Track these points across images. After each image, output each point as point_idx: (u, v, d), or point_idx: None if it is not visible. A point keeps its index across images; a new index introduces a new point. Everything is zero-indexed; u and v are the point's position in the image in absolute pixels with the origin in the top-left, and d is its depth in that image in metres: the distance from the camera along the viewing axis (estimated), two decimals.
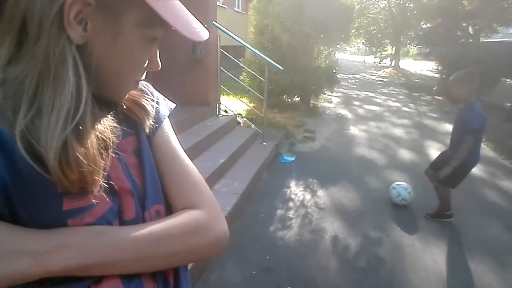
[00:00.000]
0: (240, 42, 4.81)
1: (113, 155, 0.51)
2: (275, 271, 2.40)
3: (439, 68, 12.27)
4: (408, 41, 23.50)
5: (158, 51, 0.56)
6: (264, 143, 4.67)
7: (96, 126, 0.48)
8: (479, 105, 2.76)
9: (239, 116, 5.50)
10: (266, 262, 2.49)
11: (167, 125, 0.64)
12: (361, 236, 2.89)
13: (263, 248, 2.65)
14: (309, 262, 2.53)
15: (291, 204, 3.41)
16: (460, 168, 2.85)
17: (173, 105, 0.68)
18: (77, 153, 0.44)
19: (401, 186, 3.40)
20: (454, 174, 2.86)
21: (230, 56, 4.96)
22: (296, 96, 7.71)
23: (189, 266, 0.56)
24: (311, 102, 7.93)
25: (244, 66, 6.24)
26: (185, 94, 4.19)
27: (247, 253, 2.57)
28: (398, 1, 23.18)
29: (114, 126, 0.51)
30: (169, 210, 0.58)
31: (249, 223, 2.99)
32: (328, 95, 9.47)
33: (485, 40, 11.55)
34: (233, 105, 5.94)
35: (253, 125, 5.10)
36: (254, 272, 2.38)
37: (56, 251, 0.44)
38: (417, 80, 16.08)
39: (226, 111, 5.33)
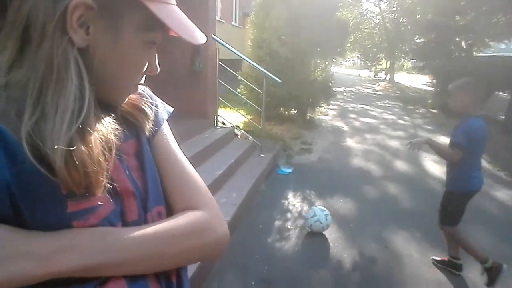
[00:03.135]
0: (239, 56, 4.87)
1: (115, 157, 0.51)
2: (273, 282, 2.38)
3: (433, 82, 12.46)
4: (403, 55, 23.91)
5: (156, 55, 0.57)
6: (262, 155, 4.68)
7: (99, 128, 0.48)
8: (479, 121, 2.26)
9: (237, 128, 5.52)
10: (265, 273, 2.47)
11: (166, 128, 0.65)
12: (359, 247, 2.88)
13: (262, 259, 2.63)
14: (307, 273, 2.52)
15: (289, 215, 3.41)
16: (451, 198, 2.52)
17: (171, 109, 0.69)
18: (82, 153, 0.44)
19: (319, 207, 3.08)
20: (448, 208, 2.52)
21: (229, 69, 5.01)
22: (293, 109, 7.77)
23: (190, 274, 0.56)
24: (308, 114, 7.98)
25: (242, 79, 6.31)
26: (183, 106, 4.19)
27: (246, 264, 2.55)
28: (392, 16, 23.71)
29: (116, 128, 0.51)
30: (169, 212, 0.59)
31: (247, 234, 2.98)
32: (324, 107, 9.54)
33: (478, 55, 11.76)
34: (231, 117, 5.96)
35: (250, 137, 5.12)
36: (253, 283, 2.36)
37: (61, 253, 0.44)
38: (411, 94, 16.28)
39: (224, 123, 5.35)
